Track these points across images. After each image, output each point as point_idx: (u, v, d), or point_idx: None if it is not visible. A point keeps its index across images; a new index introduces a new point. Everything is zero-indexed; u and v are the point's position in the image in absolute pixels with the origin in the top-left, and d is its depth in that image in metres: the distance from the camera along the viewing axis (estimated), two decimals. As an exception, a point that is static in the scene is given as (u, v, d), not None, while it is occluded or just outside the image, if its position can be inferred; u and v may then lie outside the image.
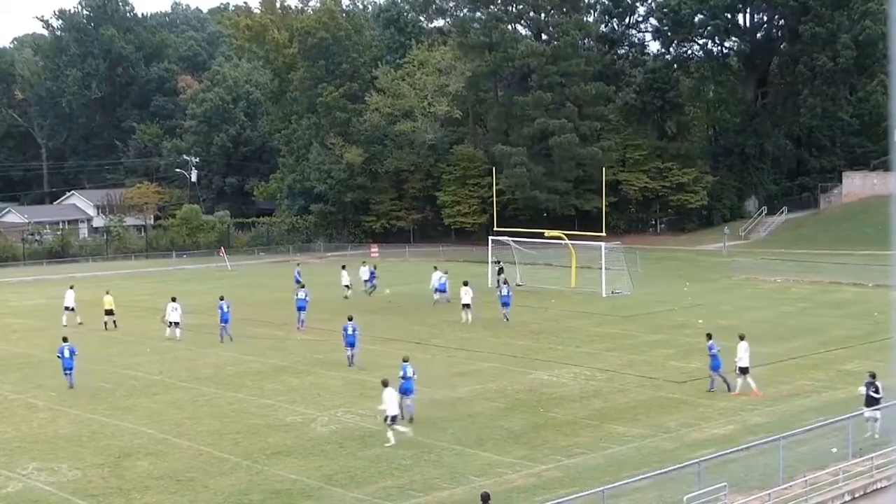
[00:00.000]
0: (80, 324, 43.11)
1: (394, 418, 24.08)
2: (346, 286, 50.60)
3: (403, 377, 26.35)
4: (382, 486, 21.08)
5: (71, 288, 45.11)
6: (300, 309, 41.34)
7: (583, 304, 47.56)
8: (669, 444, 23.65)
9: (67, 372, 31.13)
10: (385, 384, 24.45)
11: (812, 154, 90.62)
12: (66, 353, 31.25)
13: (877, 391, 23.47)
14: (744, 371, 28.39)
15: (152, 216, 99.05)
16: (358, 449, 23.66)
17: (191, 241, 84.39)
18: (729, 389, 28.33)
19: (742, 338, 28.80)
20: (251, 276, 65.55)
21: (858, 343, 36.09)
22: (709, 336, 29.36)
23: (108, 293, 43.16)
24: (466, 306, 42.21)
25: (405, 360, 26.69)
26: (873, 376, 23.77)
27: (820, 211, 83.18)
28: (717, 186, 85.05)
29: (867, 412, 23.22)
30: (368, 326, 36.53)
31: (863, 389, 23.82)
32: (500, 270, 52.58)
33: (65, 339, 31.97)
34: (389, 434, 23.98)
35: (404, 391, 26.17)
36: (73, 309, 43.57)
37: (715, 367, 28.63)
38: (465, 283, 42.94)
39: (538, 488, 20.65)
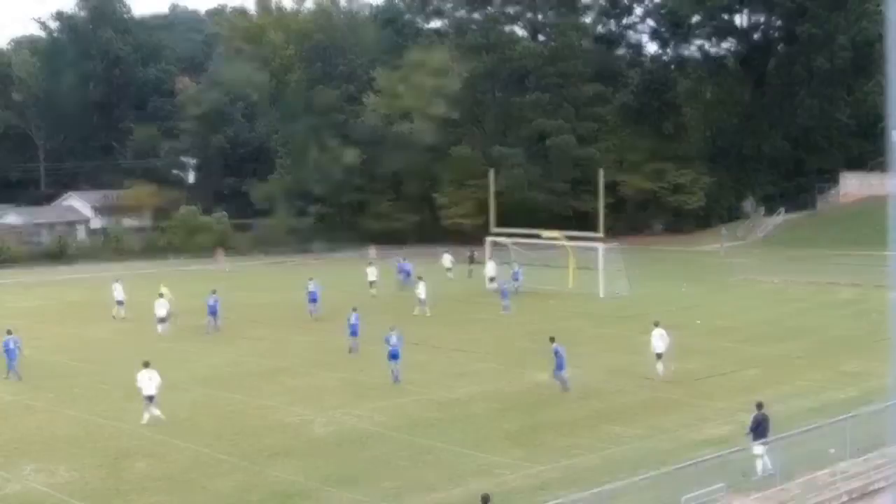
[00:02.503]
0: (124, 318, 43.44)
1: (150, 398, 25.39)
2: (372, 282, 51.93)
3: (388, 343, 29.48)
4: (380, 486, 21.08)
5: (117, 281, 45.55)
6: (312, 300, 43.67)
7: (581, 304, 47.56)
8: (667, 445, 23.66)
9: (12, 365, 31.81)
10: (146, 365, 25.97)
11: (809, 155, 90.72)
12: (11, 345, 31.88)
13: (755, 425, 21.08)
14: (658, 356, 30.21)
15: (150, 217, 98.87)
16: (356, 450, 23.67)
17: (189, 243, 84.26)
18: (566, 389, 28.86)
19: (656, 324, 30.68)
20: (249, 278, 65.52)
21: (856, 343, 36.12)
22: (552, 339, 29.74)
23: (163, 286, 43.62)
24: (421, 301, 44.60)
25: (392, 329, 29.76)
26: (760, 406, 21.53)
27: (817, 211, 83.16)
28: (715, 187, 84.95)
29: (755, 448, 20.68)
30: (365, 327, 36.46)
31: (748, 422, 21.54)
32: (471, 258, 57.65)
33: (9, 332, 32.45)
34: (146, 414, 25.39)
35: (392, 356, 29.67)
36: (122, 302, 44.27)
37: (558, 368, 29.15)
38: (420, 278, 45.95)
39: (536, 489, 20.66)
